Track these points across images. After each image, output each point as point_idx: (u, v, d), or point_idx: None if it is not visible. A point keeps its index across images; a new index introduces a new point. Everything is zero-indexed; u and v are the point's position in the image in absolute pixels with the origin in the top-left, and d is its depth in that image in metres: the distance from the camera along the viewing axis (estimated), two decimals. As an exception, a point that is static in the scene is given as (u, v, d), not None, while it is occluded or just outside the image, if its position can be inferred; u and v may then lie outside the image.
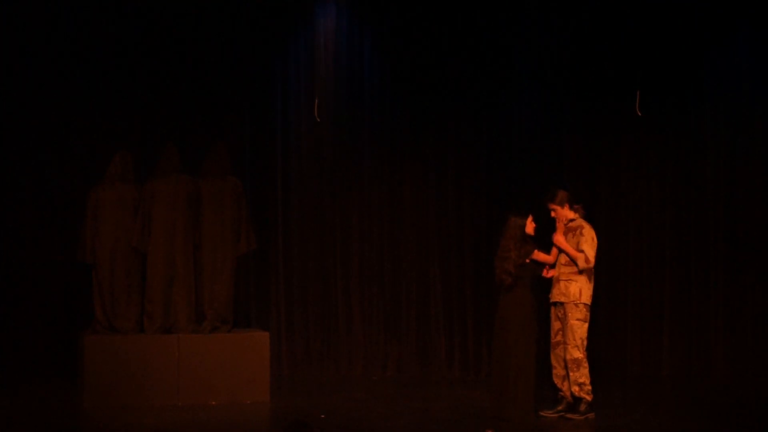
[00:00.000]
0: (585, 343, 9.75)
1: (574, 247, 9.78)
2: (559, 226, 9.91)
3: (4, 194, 12.03)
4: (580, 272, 9.77)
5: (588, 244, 9.77)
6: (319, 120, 12.60)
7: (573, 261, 9.78)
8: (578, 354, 9.70)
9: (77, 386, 10.67)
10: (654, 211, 13.20)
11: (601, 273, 11.13)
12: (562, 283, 9.83)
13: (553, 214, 9.93)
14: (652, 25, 12.91)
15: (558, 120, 13.11)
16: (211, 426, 9.57)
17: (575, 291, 9.77)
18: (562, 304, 9.81)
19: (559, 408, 9.88)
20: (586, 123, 13.16)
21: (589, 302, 9.79)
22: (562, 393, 9.87)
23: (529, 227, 9.77)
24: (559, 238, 9.89)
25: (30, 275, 12.05)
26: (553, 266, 9.88)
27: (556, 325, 9.92)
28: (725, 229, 13.14)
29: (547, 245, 9.97)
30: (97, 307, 10.68)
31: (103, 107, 12.11)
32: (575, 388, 9.74)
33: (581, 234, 9.82)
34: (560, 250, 9.88)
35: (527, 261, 9.68)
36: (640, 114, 12.73)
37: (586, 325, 9.76)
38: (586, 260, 9.74)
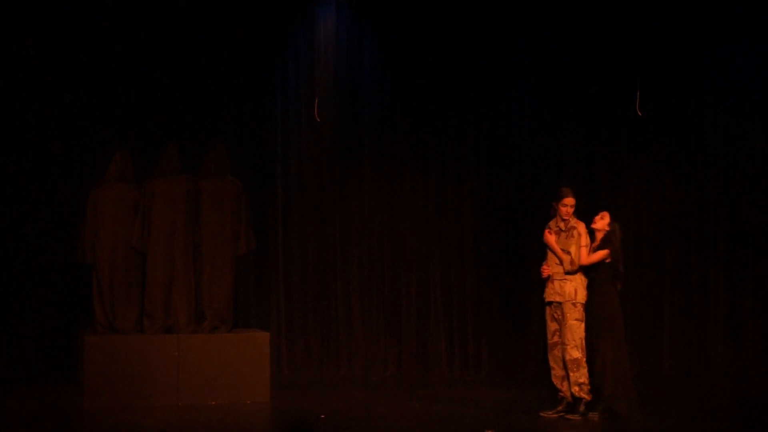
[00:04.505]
0: (583, 343, 9.75)
1: (565, 248, 9.81)
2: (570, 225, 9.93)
3: (4, 194, 12.02)
4: (566, 273, 9.78)
5: (577, 246, 9.78)
6: (319, 120, 12.60)
7: (560, 261, 9.83)
8: (577, 354, 9.70)
9: (77, 386, 10.67)
10: (654, 211, 13.21)
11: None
12: (556, 283, 9.84)
13: (571, 209, 9.91)
14: (652, 25, 12.92)
15: (558, 120, 13.11)
16: (211, 426, 9.56)
17: (570, 290, 9.77)
18: (559, 304, 9.81)
19: (559, 408, 9.88)
20: (586, 123, 13.16)
21: (584, 301, 9.79)
22: (561, 393, 9.88)
23: (597, 224, 9.84)
24: (548, 238, 9.92)
25: (30, 275, 12.05)
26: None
27: (552, 326, 9.91)
28: (725, 230, 13.16)
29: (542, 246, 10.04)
30: (97, 307, 10.68)
31: (104, 107, 12.11)
32: (575, 389, 9.74)
33: (572, 235, 9.83)
34: (550, 250, 9.92)
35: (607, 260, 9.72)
36: (640, 114, 12.73)
37: (583, 325, 9.76)
38: (571, 262, 9.76)
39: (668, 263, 13.19)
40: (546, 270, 9.90)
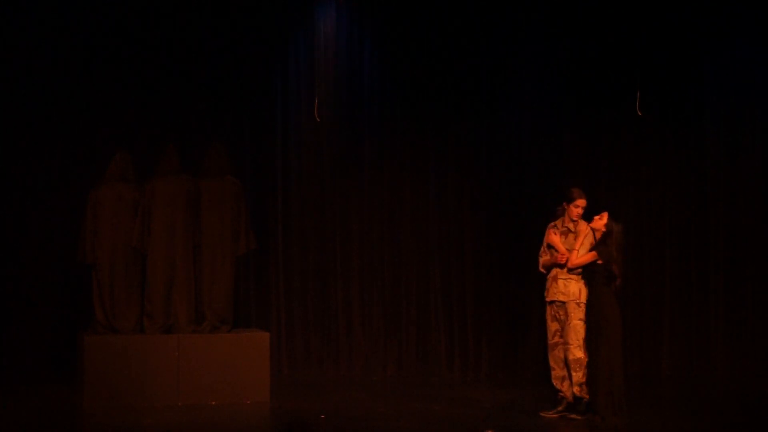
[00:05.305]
0: (584, 343, 9.75)
1: (572, 248, 9.80)
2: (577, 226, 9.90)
3: (4, 194, 12.02)
4: (569, 271, 9.77)
5: (578, 243, 9.79)
6: (319, 120, 12.60)
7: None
8: (580, 354, 9.69)
9: (77, 386, 10.67)
10: (654, 211, 13.21)
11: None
12: (560, 282, 9.82)
13: (582, 210, 9.91)
14: (651, 26, 12.92)
15: (558, 120, 13.11)
16: (211, 426, 9.57)
17: (575, 290, 9.77)
18: (562, 303, 9.80)
19: (559, 408, 9.87)
20: (586, 123, 13.16)
21: (585, 302, 9.78)
22: (561, 393, 9.86)
23: (595, 224, 9.78)
24: (553, 238, 9.91)
25: (30, 275, 12.05)
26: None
27: (553, 326, 9.90)
28: (725, 229, 13.16)
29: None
30: (97, 307, 10.68)
31: (103, 107, 12.11)
32: (577, 389, 9.73)
33: (577, 235, 9.84)
34: (555, 250, 9.91)
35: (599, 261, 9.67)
36: (640, 114, 12.74)
37: (585, 325, 9.75)
38: (569, 259, 9.75)
39: (668, 263, 13.19)
40: (562, 257, 9.82)
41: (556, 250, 9.87)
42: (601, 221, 9.73)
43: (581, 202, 9.92)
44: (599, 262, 9.60)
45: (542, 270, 10.04)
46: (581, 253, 9.73)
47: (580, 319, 9.71)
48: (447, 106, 12.99)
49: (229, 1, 12.40)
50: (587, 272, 9.70)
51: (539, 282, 10.36)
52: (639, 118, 12.81)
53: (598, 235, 9.75)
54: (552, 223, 10.06)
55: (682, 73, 13.14)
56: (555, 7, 12.89)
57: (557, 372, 9.87)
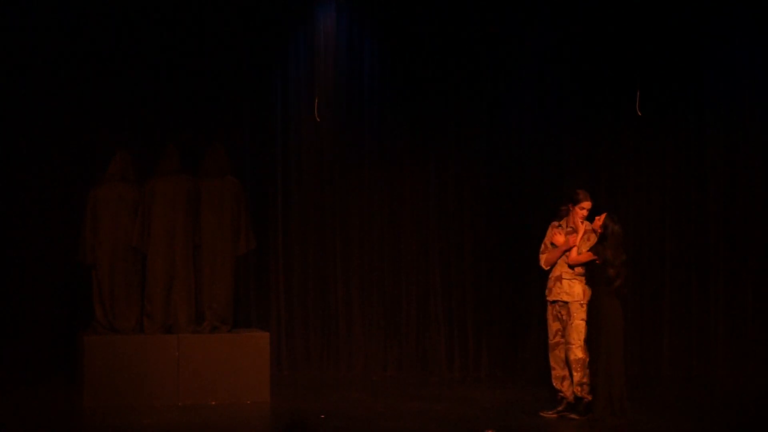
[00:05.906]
0: (584, 343, 9.74)
1: (579, 249, 9.80)
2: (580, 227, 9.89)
3: (4, 194, 12.02)
4: (570, 266, 9.76)
5: (577, 239, 9.79)
6: (319, 120, 12.60)
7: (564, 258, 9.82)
8: (582, 354, 9.68)
9: (77, 386, 10.67)
10: (654, 211, 13.20)
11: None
12: (565, 282, 9.81)
13: (586, 212, 9.90)
14: (651, 25, 12.92)
15: (558, 120, 13.11)
16: (211, 426, 9.57)
17: (579, 291, 9.76)
18: (565, 303, 9.79)
19: (559, 408, 9.87)
20: (586, 123, 13.16)
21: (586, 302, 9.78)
22: (561, 393, 9.86)
23: (596, 224, 9.75)
24: (557, 238, 9.91)
25: (30, 275, 12.04)
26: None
27: (554, 326, 9.89)
28: (725, 229, 13.15)
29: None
30: (97, 307, 10.68)
31: (103, 107, 12.10)
32: (578, 389, 9.72)
33: (587, 239, 9.81)
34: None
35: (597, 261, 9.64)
36: (640, 114, 12.73)
37: (586, 325, 9.75)
38: (569, 255, 9.75)
39: (668, 263, 13.18)
40: (572, 239, 9.79)
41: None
42: (598, 222, 9.73)
43: (587, 204, 9.91)
44: (598, 261, 9.60)
45: (545, 266, 10.00)
46: (582, 250, 9.73)
47: (582, 319, 9.70)
48: (447, 106, 12.99)
49: (229, 1, 12.40)
50: (588, 272, 9.70)
51: (539, 282, 10.36)
52: (639, 118, 12.80)
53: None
54: (556, 222, 10.05)
55: (682, 73, 13.13)
56: (555, 7, 12.88)
57: (557, 372, 9.86)
